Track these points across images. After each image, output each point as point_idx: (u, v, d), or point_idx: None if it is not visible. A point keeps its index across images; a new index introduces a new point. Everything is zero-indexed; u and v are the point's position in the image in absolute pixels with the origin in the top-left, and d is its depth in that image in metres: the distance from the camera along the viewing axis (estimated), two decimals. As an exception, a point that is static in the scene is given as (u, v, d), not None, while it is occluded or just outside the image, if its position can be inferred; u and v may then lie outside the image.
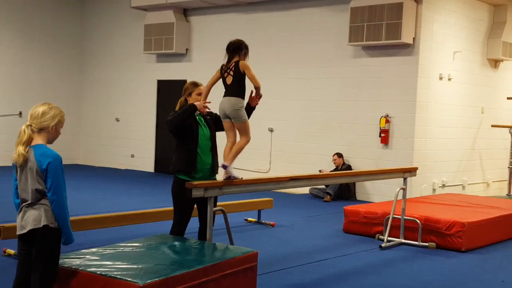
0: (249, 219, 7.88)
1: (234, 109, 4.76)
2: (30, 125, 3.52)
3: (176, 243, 4.51)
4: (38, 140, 3.53)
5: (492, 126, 11.41)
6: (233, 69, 4.76)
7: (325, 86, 10.82)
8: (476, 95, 11.22)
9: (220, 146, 4.89)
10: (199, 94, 4.96)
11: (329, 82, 10.77)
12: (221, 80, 4.93)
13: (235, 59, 4.79)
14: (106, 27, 14.47)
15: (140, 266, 3.77)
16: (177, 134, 4.87)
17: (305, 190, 10.58)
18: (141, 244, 4.41)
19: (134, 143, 13.91)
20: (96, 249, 4.21)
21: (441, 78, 10.26)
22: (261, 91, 4.96)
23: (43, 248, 3.47)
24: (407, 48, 9.83)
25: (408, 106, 9.89)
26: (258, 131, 11.67)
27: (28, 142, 3.48)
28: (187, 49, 12.81)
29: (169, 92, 13.34)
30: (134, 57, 13.76)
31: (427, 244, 6.73)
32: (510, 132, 11.93)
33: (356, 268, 5.81)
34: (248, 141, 4.85)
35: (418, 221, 6.77)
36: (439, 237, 6.72)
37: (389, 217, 6.83)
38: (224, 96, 4.82)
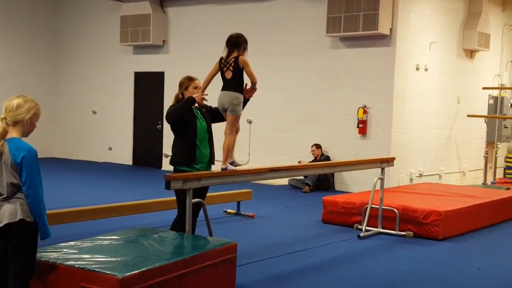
0: (229, 210, 7.88)
1: (232, 103, 4.95)
2: (5, 118, 3.46)
3: (155, 235, 4.49)
4: (13, 133, 3.47)
5: (468, 116, 11.55)
6: (232, 64, 4.90)
7: (303, 78, 10.83)
8: (452, 85, 11.34)
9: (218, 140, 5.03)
10: (196, 88, 5.05)
11: (307, 73, 10.79)
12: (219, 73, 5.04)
13: (234, 54, 4.93)
14: (81, 19, 14.27)
15: (118, 258, 3.75)
16: (176, 127, 4.97)
17: (284, 181, 10.61)
18: (119, 237, 4.38)
19: (111, 135, 13.78)
20: (74, 242, 4.17)
21: (417, 69, 10.34)
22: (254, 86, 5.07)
23: (20, 242, 3.42)
24: (384, 39, 9.88)
25: (385, 97, 9.95)
26: (236, 122, 11.66)
27: (2, 136, 3.43)
28: (164, 41, 12.71)
29: (147, 84, 13.24)
30: (110, 49, 13.61)
31: (404, 233, 6.81)
32: (485, 122, 12.10)
33: (335, 258, 5.86)
34: (233, 136, 5.06)
35: (395, 210, 6.84)
36: (417, 226, 6.80)
37: (367, 207, 6.89)
38: (223, 90, 4.98)
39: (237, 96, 4.96)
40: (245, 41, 5.00)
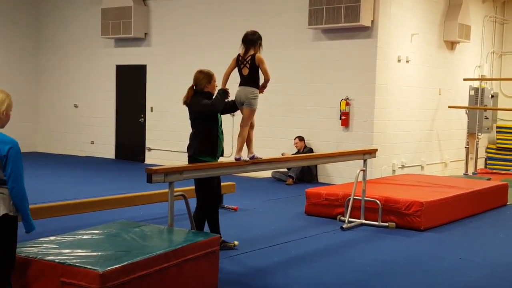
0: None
1: (249, 97, 5.27)
2: None
3: (137, 229, 4.47)
4: None
5: (449, 107, 11.64)
6: (249, 61, 5.26)
7: (285, 70, 10.81)
8: (433, 77, 11.41)
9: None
10: (215, 81, 5.37)
11: (290, 65, 10.77)
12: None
13: (251, 52, 5.30)
14: (62, 11, 14.10)
15: (99, 253, 3.72)
16: (206, 119, 5.25)
17: (268, 173, 10.62)
18: (100, 231, 4.35)
19: (94, 129, 13.67)
20: (54, 237, 4.13)
21: (399, 60, 10.38)
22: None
23: (3, 237, 3.39)
24: (366, 31, 9.90)
25: (367, 89, 9.99)
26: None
27: None
28: (146, 34, 12.61)
29: (129, 77, 13.14)
30: (91, 42, 13.48)
31: (387, 224, 6.85)
32: (466, 113, 12.21)
33: (318, 250, 5.88)
34: (247, 129, 5.39)
35: (378, 201, 6.87)
36: (399, 216, 6.84)
37: (350, 199, 6.92)
38: (240, 85, 5.31)
39: (253, 90, 5.28)
40: (259, 38, 5.36)
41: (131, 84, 13.10)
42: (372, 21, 9.82)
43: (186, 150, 5.44)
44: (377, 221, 6.89)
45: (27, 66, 14.40)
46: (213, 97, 5.30)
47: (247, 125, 5.36)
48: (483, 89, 12.12)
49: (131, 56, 12.92)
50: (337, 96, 10.22)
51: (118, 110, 13.30)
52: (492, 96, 12.33)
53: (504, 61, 13.46)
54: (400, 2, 10.35)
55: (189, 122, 5.31)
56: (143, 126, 12.87)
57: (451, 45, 11.85)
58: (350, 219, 6.88)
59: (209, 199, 5.41)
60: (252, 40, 5.32)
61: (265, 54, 11.71)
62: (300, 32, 10.53)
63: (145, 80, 12.76)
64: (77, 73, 13.91)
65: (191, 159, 5.28)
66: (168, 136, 12.42)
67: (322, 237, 6.39)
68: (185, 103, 5.36)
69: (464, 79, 11.92)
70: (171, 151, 12.30)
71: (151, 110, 12.72)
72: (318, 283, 4.80)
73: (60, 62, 14.19)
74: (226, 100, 5.36)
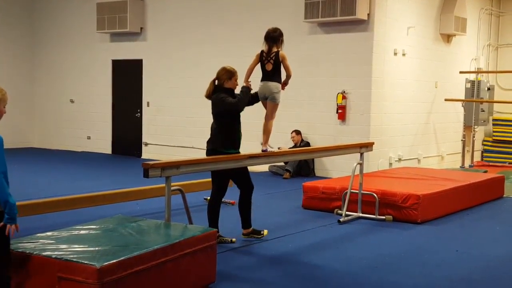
0: (209, 198, 7.84)
1: (273, 92, 5.58)
2: None
3: (133, 224, 4.46)
4: None
5: (446, 100, 11.64)
6: (273, 58, 5.56)
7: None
8: (429, 70, 11.41)
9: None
10: (236, 80, 5.59)
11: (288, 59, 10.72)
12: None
13: (274, 49, 5.60)
14: (57, 6, 14.04)
15: (96, 248, 3.71)
16: (230, 116, 5.49)
17: (265, 167, 10.61)
18: (97, 226, 4.34)
19: (90, 124, 13.65)
20: (51, 232, 4.12)
21: (395, 54, 10.37)
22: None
23: None
24: (362, 24, 9.88)
25: (364, 82, 9.98)
26: (216, 110, 11.60)
27: None
28: (141, 28, 12.57)
29: (125, 72, 13.10)
30: (87, 37, 13.43)
31: (384, 217, 6.86)
32: (462, 106, 12.22)
33: (316, 243, 5.88)
34: (273, 121, 5.71)
35: (375, 195, 6.88)
36: (396, 210, 6.85)
37: (347, 192, 6.92)
38: (264, 80, 5.61)
39: (277, 85, 5.60)
40: (281, 35, 5.64)
41: (127, 79, 13.07)
42: (368, 14, 9.80)
43: (206, 144, 5.69)
44: (374, 214, 6.90)
45: (23, 62, 14.34)
46: (237, 94, 5.55)
47: (272, 118, 5.69)
48: (479, 82, 12.13)
49: (127, 50, 12.88)
50: (334, 90, 10.22)
51: (114, 105, 13.27)
52: (488, 89, 12.34)
53: (500, 53, 13.46)
54: (396, -5, 10.33)
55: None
56: (139, 121, 12.85)
57: (447, 38, 11.84)
58: (347, 213, 6.89)
59: (251, 186, 5.77)
60: (274, 37, 5.61)
61: (260, 48, 11.71)
62: (296, 25, 10.50)
63: (141, 74, 12.73)
64: (73, 68, 13.87)
65: (213, 152, 5.49)
66: (164, 131, 12.40)
67: (319, 231, 6.39)
68: (207, 97, 5.64)
69: (460, 72, 11.92)
70: (168, 145, 12.29)
71: (148, 105, 12.70)
72: (316, 276, 4.80)
73: (56, 57, 14.13)
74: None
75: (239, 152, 5.58)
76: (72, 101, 13.90)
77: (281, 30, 5.75)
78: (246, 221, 5.84)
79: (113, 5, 12.42)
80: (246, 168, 5.77)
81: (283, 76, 5.74)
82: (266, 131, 5.70)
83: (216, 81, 5.57)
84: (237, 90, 5.72)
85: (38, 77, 14.52)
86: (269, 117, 5.70)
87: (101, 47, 13.27)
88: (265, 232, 5.95)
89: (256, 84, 5.71)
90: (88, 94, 13.62)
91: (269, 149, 5.78)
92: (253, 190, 5.81)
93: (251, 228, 5.87)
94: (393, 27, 10.29)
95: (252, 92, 5.65)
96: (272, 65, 5.57)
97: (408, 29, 10.63)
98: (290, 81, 5.80)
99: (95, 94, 13.51)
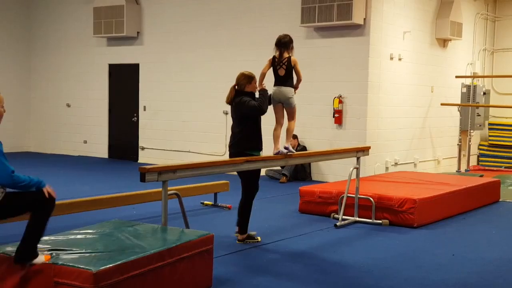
0: (206, 202, 7.87)
1: (287, 97, 5.85)
2: None
3: (130, 228, 4.46)
4: None
5: (442, 104, 11.68)
6: (286, 63, 5.81)
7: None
8: (425, 74, 11.44)
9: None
10: (256, 83, 5.85)
11: (283, 63, 10.76)
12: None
13: (286, 54, 5.84)
14: (54, 10, 14.05)
15: (93, 253, 3.71)
16: (253, 119, 5.73)
17: (262, 172, 10.59)
18: (94, 231, 4.34)
19: (86, 129, 13.64)
20: (47, 237, 4.11)
21: (391, 58, 10.41)
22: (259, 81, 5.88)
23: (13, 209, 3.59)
24: (358, 29, 9.92)
25: (360, 86, 10.01)
26: (213, 114, 11.62)
27: None
28: (138, 32, 12.58)
29: (121, 76, 13.11)
30: (84, 41, 13.43)
31: (380, 221, 6.87)
32: (458, 110, 12.26)
33: (312, 247, 5.89)
34: (295, 122, 5.98)
35: (371, 199, 6.89)
36: (392, 214, 6.86)
37: (343, 196, 6.93)
38: (276, 85, 5.87)
39: (291, 90, 5.87)
40: (291, 41, 5.89)
41: (124, 83, 13.07)
42: (365, 19, 9.84)
43: (228, 146, 5.90)
44: (370, 219, 6.91)
45: (19, 66, 14.34)
46: (257, 98, 5.76)
47: (294, 119, 5.96)
48: (475, 86, 12.17)
49: (123, 55, 12.89)
50: (330, 94, 10.24)
51: (111, 109, 13.27)
52: (484, 93, 12.38)
53: (496, 58, 13.52)
54: (392, 0, 10.37)
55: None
56: (136, 125, 12.84)
57: (443, 42, 11.89)
58: (343, 217, 6.89)
59: (256, 188, 5.97)
60: (285, 43, 5.85)
61: (257, 53, 11.79)
62: (292, 30, 10.48)
63: (138, 79, 12.74)
64: (69, 72, 13.87)
65: (239, 155, 5.69)
66: (161, 135, 12.40)
67: (316, 235, 6.40)
68: (228, 102, 5.86)
69: (456, 77, 11.97)
70: (165, 150, 12.29)
71: (144, 109, 12.70)
72: (312, 281, 4.81)
73: (52, 61, 14.13)
74: None
75: (258, 155, 5.86)
76: (68, 105, 13.90)
77: (291, 36, 6.03)
78: (242, 226, 5.92)
79: (109, 9, 12.43)
80: (258, 171, 6.00)
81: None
82: (289, 130, 5.99)
83: (237, 87, 5.80)
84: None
85: (35, 81, 14.51)
86: (290, 119, 5.98)
87: (97, 51, 13.28)
88: (259, 238, 6.02)
89: (268, 88, 5.93)
90: (84, 98, 13.62)
91: (290, 148, 5.99)
92: (256, 193, 6.00)
93: (246, 234, 5.94)
94: (389, 32, 10.33)
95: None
96: (284, 70, 5.81)
97: (404, 33, 10.67)
98: (288, 87, 5.92)
99: (91, 98, 13.51)
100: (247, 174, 5.84)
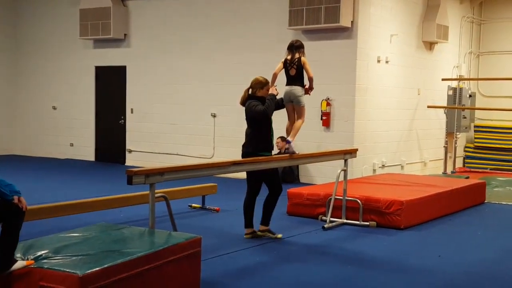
0: (193, 205, 7.85)
1: (297, 96, 6.21)
2: None
3: (117, 232, 4.43)
4: None
5: (428, 107, 11.75)
6: (296, 63, 6.22)
7: (266, 71, 10.69)
8: (412, 77, 11.51)
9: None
10: (268, 89, 6.16)
11: (270, 66, 10.55)
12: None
13: (297, 56, 6.24)
14: (40, 12, 13.96)
15: (79, 256, 3.68)
16: (262, 121, 6.03)
17: (249, 174, 10.60)
18: (80, 234, 4.30)
19: (73, 131, 13.55)
20: (33, 240, 4.07)
21: (379, 61, 10.46)
22: (274, 84, 6.26)
23: None
24: (346, 32, 9.96)
25: (348, 89, 10.04)
26: (201, 116, 11.60)
27: None
28: (125, 34, 12.53)
29: (108, 78, 13.05)
30: (70, 43, 13.35)
31: (368, 223, 6.90)
32: (445, 113, 12.35)
33: (300, 249, 5.89)
34: (303, 121, 6.31)
35: (359, 201, 6.92)
36: (379, 215, 6.89)
37: (331, 198, 6.95)
38: (288, 85, 6.25)
39: (300, 89, 6.24)
40: (302, 46, 6.33)
41: (110, 86, 13.01)
42: (352, 22, 9.88)
43: (241, 147, 6.20)
44: (358, 221, 6.93)
45: (5, 67, 14.22)
46: (266, 101, 6.06)
47: (302, 117, 6.29)
48: (461, 89, 12.27)
49: (110, 57, 12.83)
50: (318, 97, 10.24)
51: (98, 112, 13.20)
52: (470, 96, 12.48)
53: (482, 61, 13.64)
54: (379, 3, 10.43)
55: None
56: (123, 127, 12.78)
57: (430, 45, 11.97)
58: (331, 219, 6.91)
59: (280, 189, 6.26)
60: (297, 47, 6.29)
61: (245, 55, 11.79)
62: (280, 32, 10.54)
63: (125, 81, 12.68)
64: (55, 74, 13.78)
65: (249, 155, 6.00)
66: (148, 138, 12.36)
67: (304, 237, 6.40)
68: (241, 104, 6.21)
69: (443, 79, 12.05)
70: (152, 152, 12.24)
71: (131, 112, 12.65)
72: (300, 283, 4.81)
73: (38, 63, 14.03)
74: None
75: (271, 154, 6.21)
76: (54, 108, 13.80)
77: (301, 41, 6.45)
78: (265, 218, 6.25)
79: (96, 11, 12.38)
80: (276, 171, 6.33)
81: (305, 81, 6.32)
82: (295, 127, 6.29)
83: (250, 90, 6.15)
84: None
85: (20, 83, 14.39)
86: (299, 117, 6.30)
87: (84, 53, 13.20)
88: (279, 235, 6.28)
89: (280, 89, 6.29)
90: (71, 101, 13.53)
91: (293, 144, 6.27)
92: (281, 192, 6.27)
93: (268, 227, 6.25)
94: (377, 35, 10.38)
95: (277, 97, 6.24)
96: (295, 70, 6.21)
97: (391, 36, 10.73)
98: (298, 86, 6.26)
99: (78, 101, 13.42)
100: (269, 174, 6.18)
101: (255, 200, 6.25)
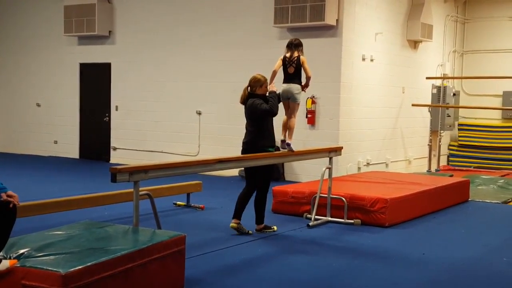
0: (178, 203, 7.82)
1: (294, 93, 6.35)
2: None
3: (101, 229, 4.40)
4: None
5: (413, 105, 11.83)
6: (295, 61, 6.32)
7: (251, 69, 10.71)
8: (397, 75, 11.58)
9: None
10: (266, 87, 6.30)
11: (256, 64, 10.73)
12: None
13: (296, 54, 6.32)
14: (23, 8, 13.81)
15: (62, 254, 3.65)
16: (265, 119, 6.19)
17: (235, 172, 10.61)
18: (63, 232, 4.27)
19: (57, 129, 13.44)
20: (15, 238, 4.03)
21: (363, 59, 10.50)
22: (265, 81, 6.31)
23: None
24: (331, 30, 9.98)
25: (333, 87, 10.07)
26: (186, 114, 11.56)
27: None
28: (110, 31, 12.45)
29: (93, 75, 12.95)
30: (54, 40, 13.23)
31: (352, 221, 6.92)
32: (429, 111, 12.44)
33: (285, 247, 5.90)
34: (295, 119, 6.44)
35: (343, 199, 6.94)
36: (364, 213, 6.92)
37: (316, 196, 6.96)
38: (286, 82, 6.37)
39: (298, 87, 6.36)
40: (301, 44, 6.41)
41: (95, 83, 12.91)
42: (337, 20, 9.91)
43: (242, 143, 6.32)
44: (343, 218, 6.96)
45: (-13, 64, 14.06)
46: (268, 100, 6.19)
47: (295, 116, 6.44)
48: (445, 88, 12.36)
49: (95, 54, 12.74)
50: (303, 95, 10.23)
51: (82, 109, 13.10)
52: (454, 94, 12.59)
53: (466, 60, 13.76)
54: (364, 1, 10.46)
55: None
56: (108, 125, 12.70)
57: (414, 44, 12.05)
58: (316, 217, 6.92)
59: (269, 184, 6.43)
60: (296, 45, 6.36)
61: (230, 53, 11.77)
62: (266, 30, 10.54)
63: (110, 78, 12.60)
64: (39, 71, 13.65)
65: (251, 151, 6.14)
66: (133, 135, 12.29)
67: (289, 235, 6.41)
68: (242, 102, 6.32)
69: (427, 78, 12.13)
70: (137, 150, 12.18)
71: (116, 109, 12.57)
72: (285, 280, 4.81)
73: (22, 60, 13.89)
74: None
75: (274, 150, 6.37)
76: (38, 105, 13.67)
77: (301, 40, 6.50)
78: (259, 217, 6.40)
79: (81, 7, 12.27)
80: (270, 167, 6.43)
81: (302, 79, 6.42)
82: (290, 128, 6.42)
83: (249, 88, 6.27)
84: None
85: (4, 80, 14.24)
86: (291, 115, 6.42)
87: (68, 50, 13.09)
88: (275, 227, 6.48)
89: (277, 87, 6.37)
90: (55, 98, 13.42)
91: (292, 145, 6.42)
92: (268, 189, 6.42)
93: (263, 224, 6.41)
94: (361, 33, 10.42)
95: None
96: (294, 68, 6.31)
97: (376, 35, 10.78)
98: (296, 84, 6.36)
99: (62, 98, 13.31)
100: (261, 171, 6.29)
101: (251, 195, 6.37)
